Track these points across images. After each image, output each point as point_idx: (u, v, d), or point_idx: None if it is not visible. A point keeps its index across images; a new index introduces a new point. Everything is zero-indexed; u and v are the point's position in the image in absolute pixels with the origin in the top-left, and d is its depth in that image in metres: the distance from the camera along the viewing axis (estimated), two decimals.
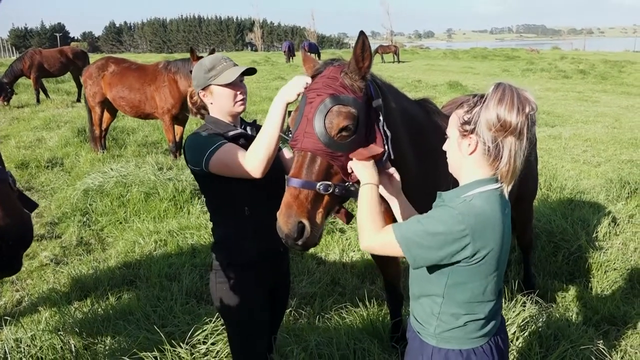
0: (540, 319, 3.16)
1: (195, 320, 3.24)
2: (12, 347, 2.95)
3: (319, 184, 1.70)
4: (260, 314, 2.22)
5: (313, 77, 1.83)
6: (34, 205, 1.67)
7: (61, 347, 2.99)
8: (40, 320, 3.46)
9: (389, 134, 1.81)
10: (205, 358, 2.89)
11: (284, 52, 32.85)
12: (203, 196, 2.73)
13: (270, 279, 2.28)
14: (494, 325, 1.66)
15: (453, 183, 1.66)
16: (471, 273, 1.54)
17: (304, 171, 1.72)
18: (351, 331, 3.11)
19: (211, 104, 2.19)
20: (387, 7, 57.37)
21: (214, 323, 3.04)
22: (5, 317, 3.52)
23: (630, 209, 5.33)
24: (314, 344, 2.89)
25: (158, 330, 3.00)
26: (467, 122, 1.56)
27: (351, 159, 1.73)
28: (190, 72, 6.46)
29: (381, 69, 26.45)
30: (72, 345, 3.02)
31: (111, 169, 6.17)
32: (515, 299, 3.28)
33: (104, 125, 8.00)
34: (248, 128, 2.27)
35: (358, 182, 1.73)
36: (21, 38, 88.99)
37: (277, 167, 2.16)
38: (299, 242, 1.71)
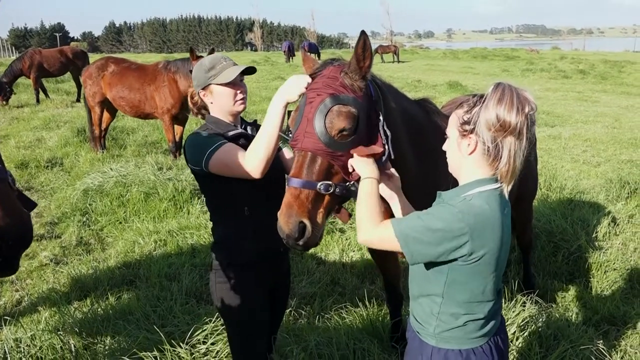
0: (540, 319, 3.16)
1: (195, 320, 3.24)
2: (11, 347, 2.94)
3: (319, 183, 1.70)
4: (260, 314, 2.22)
5: (312, 76, 1.83)
6: (33, 205, 1.67)
7: (61, 347, 2.99)
8: (40, 320, 3.46)
9: (389, 133, 1.81)
10: (205, 358, 2.89)
11: (284, 52, 32.85)
12: (203, 196, 2.73)
13: (270, 279, 2.28)
14: (494, 325, 1.66)
15: (453, 183, 1.66)
16: (470, 272, 1.54)
17: (304, 171, 1.72)
18: (351, 331, 3.11)
19: (211, 103, 2.20)
20: (387, 7, 57.43)
21: (213, 323, 3.04)
22: (5, 317, 3.52)
23: (630, 209, 5.33)
24: (313, 344, 2.89)
25: (158, 330, 3.00)
26: (467, 122, 1.56)
27: (352, 156, 1.73)
28: (190, 71, 6.49)
29: (381, 69, 26.45)
30: (72, 345, 3.02)
31: (111, 169, 6.18)
32: (515, 299, 3.29)
33: (103, 125, 8.00)
34: (248, 128, 2.26)
35: (359, 181, 1.73)
36: (21, 38, 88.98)
37: (277, 167, 2.16)
38: (300, 242, 1.71)
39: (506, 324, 2.54)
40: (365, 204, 1.62)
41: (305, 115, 1.74)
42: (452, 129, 1.62)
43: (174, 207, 5.42)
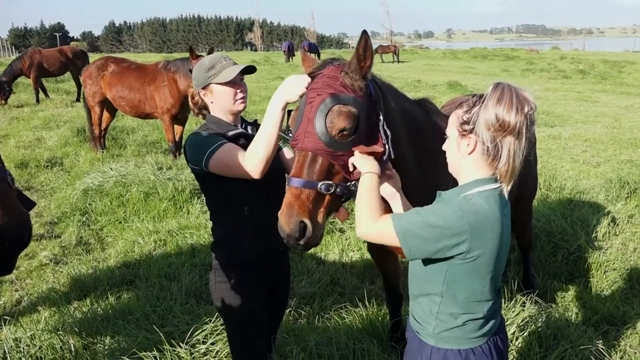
0: (540, 319, 3.16)
1: (195, 320, 3.24)
2: (11, 346, 2.94)
3: (320, 183, 1.70)
4: (260, 313, 2.22)
5: (311, 76, 1.83)
6: (32, 205, 1.67)
7: (60, 347, 2.99)
8: (40, 320, 3.46)
9: (389, 133, 1.81)
10: (205, 358, 2.89)
11: (284, 52, 32.85)
12: (203, 195, 2.72)
13: (270, 279, 2.28)
14: (493, 325, 1.66)
15: (452, 183, 1.66)
16: (469, 272, 1.55)
17: (305, 171, 1.72)
18: (351, 331, 3.11)
19: (212, 103, 2.20)
20: (387, 7, 57.45)
21: (213, 323, 3.04)
22: (5, 317, 3.52)
23: (629, 209, 5.33)
24: (313, 343, 2.89)
25: (157, 330, 3.00)
26: (466, 122, 1.56)
27: (353, 155, 1.74)
28: (190, 71, 6.49)
29: (381, 68, 26.45)
30: (72, 345, 3.02)
31: (111, 169, 6.18)
32: (514, 299, 3.29)
33: (103, 125, 8.00)
34: (249, 128, 2.27)
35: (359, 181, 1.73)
36: (21, 37, 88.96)
37: (276, 167, 2.16)
38: (301, 242, 1.71)
39: (506, 323, 2.54)
40: (365, 199, 1.62)
41: (305, 115, 1.74)
42: (452, 129, 1.63)
43: (174, 207, 5.42)
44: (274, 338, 2.52)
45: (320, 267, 4.29)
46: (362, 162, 1.69)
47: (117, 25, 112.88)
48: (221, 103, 2.17)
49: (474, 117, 1.54)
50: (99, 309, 3.59)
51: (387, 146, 1.79)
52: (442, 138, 1.70)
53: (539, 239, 4.44)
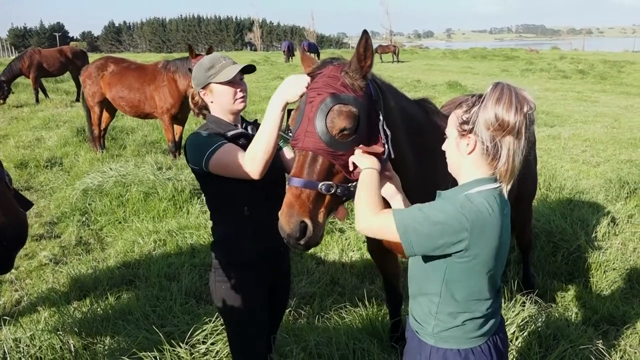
0: (540, 319, 3.16)
1: (195, 320, 3.24)
2: (11, 347, 2.94)
3: (320, 184, 1.70)
4: (260, 313, 2.22)
5: (311, 75, 1.83)
6: (29, 205, 1.67)
7: (60, 347, 2.99)
8: (40, 320, 3.46)
9: (388, 133, 1.81)
10: (205, 358, 2.88)
11: (284, 51, 32.83)
12: (203, 195, 2.72)
13: (270, 279, 2.28)
14: (493, 324, 1.66)
15: (452, 183, 1.66)
16: (467, 271, 1.55)
17: (305, 170, 1.72)
18: (351, 331, 3.11)
19: (212, 102, 2.20)
20: (387, 7, 57.43)
21: (213, 323, 3.04)
22: (5, 317, 3.51)
23: (629, 209, 5.33)
24: (313, 343, 2.89)
25: (157, 331, 3.00)
26: (466, 122, 1.56)
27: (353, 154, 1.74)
28: (189, 70, 6.48)
29: (380, 68, 26.46)
30: (72, 345, 3.02)
31: (110, 169, 6.17)
32: (514, 299, 3.29)
33: (103, 125, 8.00)
34: (249, 127, 2.27)
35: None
36: (20, 37, 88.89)
37: (277, 167, 2.16)
38: (301, 242, 1.71)
39: (506, 323, 2.54)
40: (365, 193, 1.62)
41: (306, 114, 1.74)
42: (451, 129, 1.63)
43: (174, 207, 5.42)
44: (274, 338, 2.52)
45: (320, 267, 4.29)
46: (362, 159, 1.70)
47: (116, 25, 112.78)
48: (221, 102, 2.17)
49: (474, 116, 1.54)
50: (98, 309, 3.58)
51: (386, 146, 1.79)
52: (442, 138, 1.70)
53: (538, 238, 4.44)
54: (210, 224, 2.31)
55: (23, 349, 2.95)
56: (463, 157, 1.59)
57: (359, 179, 1.68)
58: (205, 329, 3.02)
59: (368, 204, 1.59)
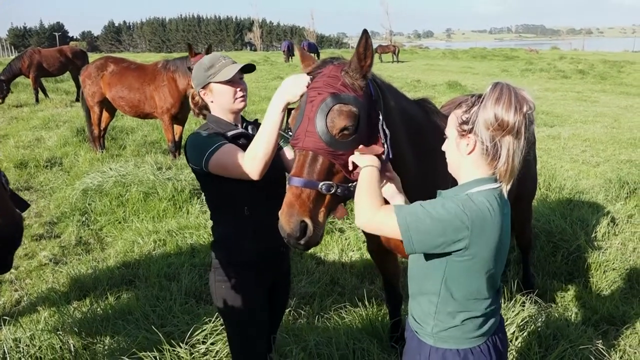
0: (540, 319, 3.16)
1: (195, 320, 3.24)
2: (11, 346, 2.94)
3: (321, 183, 1.70)
4: (260, 313, 2.22)
5: (311, 74, 1.83)
6: (26, 205, 1.67)
7: (60, 347, 2.99)
8: (39, 320, 3.46)
9: (387, 132, 1.81)
10: (205, 358, 2.88)
11: (283, 51, 32.83)
12: (203, 195, 2.72)
13: (270, 279, 2.28)
14: (492, 324, 1.66)
15: (452, 183, 1.66)
16: (467, 270, 1.55)
17: (305, 170, 1.72)
18: (350, 331, 3.11)
19: (212, 102, 2.20)
20: (387, 7, 57.44)
21: (213, 323, 3.04)
22: (4, 317, 3.51)
23: (629, 209, 5.34)
24: (313, 343, 2.89)
25: (157, 331, 2.99)
26: (465, 122, 1.56)
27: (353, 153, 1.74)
28: (188, 68, 6.48)
29: (380, 68, 26.46)
30: (71, 345, 3.01)
31: (110, 169, 6.17)
32: (514, 299, 3.29)
33: (102, 125, 7.99)
34: (249, 127, 2.27)
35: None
36: (20, 37, 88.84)
37: (277, 167, 2.16)
38: (302, 242, 1.71)
39: (505, 323, 2.54)
40: (365, 189, 1.61)
41: (306, 114, 1.74)
42: (451, 129, 1.63)
43: (174, 206, 5.42)
44: (274, 338, 2.52)
45: (319, 267, 4.29)
46: (362, 158, 1.70)
47: (116, 25, 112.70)
48: (221, 102, 2.17)
49: (473, 117, 1.54)
50: (98, 309, 3.58)
51: (385, 145, 1.79)
52: (442, 138, 1.70)
53: (538, 238, 4.44)
54: (210, 223, 2.31)
55: (23, 348, 2.95)
56: (463, 157, 1.59)
57: (359, 176, 1.68)
58: (205, 329, 3.02)
59: (368, 199, 1.59)
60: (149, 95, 7.21)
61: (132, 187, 5.57)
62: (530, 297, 3.37)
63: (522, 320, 3.08)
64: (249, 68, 2.21)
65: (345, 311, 3.46)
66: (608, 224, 4.86)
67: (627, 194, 5.75)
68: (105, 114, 7.93)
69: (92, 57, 15.23)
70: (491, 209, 1.51)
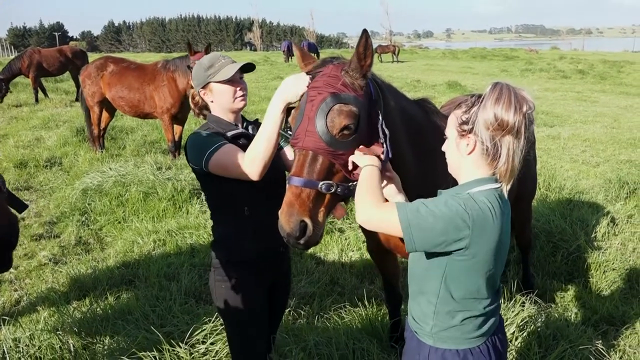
0: (539, 319, 3.16)
1: (194, 320, 3.24)
2: (10, 346, 2.94)
3: (321, 183, 1.70)
4: (260, 313, 2.22)
5: (311, 74, 1.83)
6: (24, 207, 1.67)
7: (60, 347, 2.99)
8: (39, 320, 3.46)
9: (387, 132, 1.81)
10: (204, 358, 2.88)
11: (283, 51, 32.83)
12: (203, 195, 2.72)
13: (270, 279, 2.28)
14: (492, 324, 1.66)
15: (452, 183, 1.66)
16: (467, 269, 1.54)
17: (305, 170, 1.72)
18: (350, 331, 3.11)
19: (212, 102, 2.20)
20: (387, 7, 57.44)
21: (213, 323, 3.04)
22: (4, 317, 3.51)
23: (629, 209, 5.34)
24: (312, 343, 2.89)
25: (156, 331, 2.99)
26: (465, 122, 1.56)
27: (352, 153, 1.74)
28: (188, 67, 6.48)
29: (380, 68, 26.45)
30: (71, 345, 3.02)
31: (110, 169, 6.17)
32: (514, 299, 3.29)
33: (102, 125, 7.99)
34: (250, 127, 2.27)
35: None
36: (20, 37, 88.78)
37: (277, 167, 2.16)
38: (301, 241, 1.71)
39: (505, 324, 2.54)
40: (366, 188, 1.61)
41: (306, 114, 1.74)
42: (451, 129, 1.63)
43: (173, 206, 5.41)
44: (274, 338, 2.52)
45: (319, 267, 4.28)
46: (362, 158, 1.70)
47: (116, 25, 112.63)
48: (221, 101, 2.17)
49: (473, 117, 1.54)
50: (98, 309, 3.58)
51: (385, 145, 1.79)
52: (442, 138, 1.70)
53: (538, 239, 4.44)
54: (210, 223, 2.31)
55: (22, 348, 2.94)
56: (463, 157, 1.59)
57: (360, 175, 1.68)
58: (204, 329, 3.02)
59: (369, 197, 1.59)
60: (148, 95, 7.21)
61: (131, 187, 5.57)
62: (530, 297, 3.37)
63: (521, 321, 3.08)
64: (248, 67, 2.21)
65: (345, 311, 3.46)
66: (608, 224, 4.86)
67: (627, 194, 5.75)
68: (105, 114, 7.93)
69: (92, 57, 15.22)
70: (492, 209, 1.51)
